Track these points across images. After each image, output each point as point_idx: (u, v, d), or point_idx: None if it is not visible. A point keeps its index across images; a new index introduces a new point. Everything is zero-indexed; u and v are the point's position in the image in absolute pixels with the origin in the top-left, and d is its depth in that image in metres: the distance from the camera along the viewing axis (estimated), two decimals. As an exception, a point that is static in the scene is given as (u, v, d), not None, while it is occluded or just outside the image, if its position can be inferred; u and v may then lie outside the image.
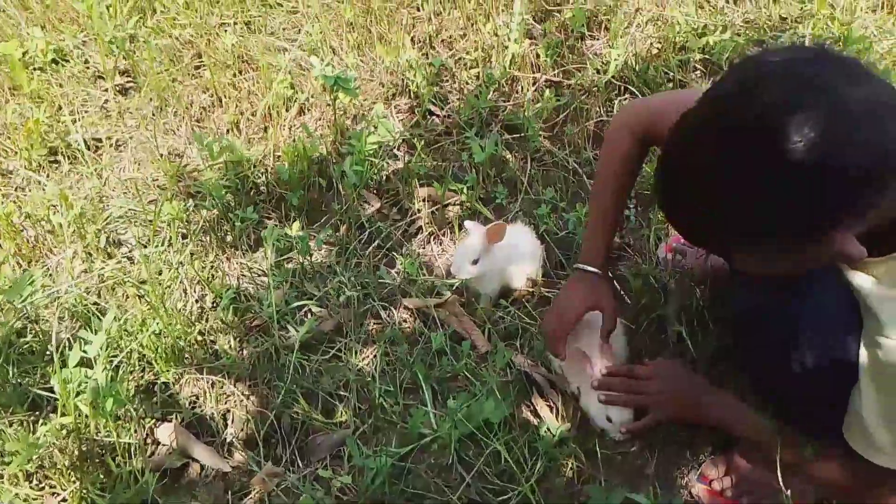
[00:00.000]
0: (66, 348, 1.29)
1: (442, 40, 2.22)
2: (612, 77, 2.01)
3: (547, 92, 1.95)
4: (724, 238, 0.85)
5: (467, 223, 1.52)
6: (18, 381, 1.34)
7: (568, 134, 1.92)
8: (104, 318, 1.31)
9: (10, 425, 1.26)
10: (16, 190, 1.83)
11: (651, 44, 2.12)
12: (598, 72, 2.06)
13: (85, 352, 1.22)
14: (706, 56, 2.09)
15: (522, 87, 2.05)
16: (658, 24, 2.18)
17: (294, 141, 1.94)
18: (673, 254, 1.58)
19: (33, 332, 1.46)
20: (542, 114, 1.95)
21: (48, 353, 1.38)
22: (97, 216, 1.71)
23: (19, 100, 2.02)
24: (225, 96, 2.05)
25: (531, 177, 1.84)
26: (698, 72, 2.10)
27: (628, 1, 2.25)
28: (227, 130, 2.00)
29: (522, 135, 1.92)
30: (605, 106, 1.99)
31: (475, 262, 1.47)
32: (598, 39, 2.24)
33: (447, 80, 2.11)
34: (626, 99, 2.01)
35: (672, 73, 2.03)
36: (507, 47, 2.09)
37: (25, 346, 1.43)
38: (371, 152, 1.79)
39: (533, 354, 1.47)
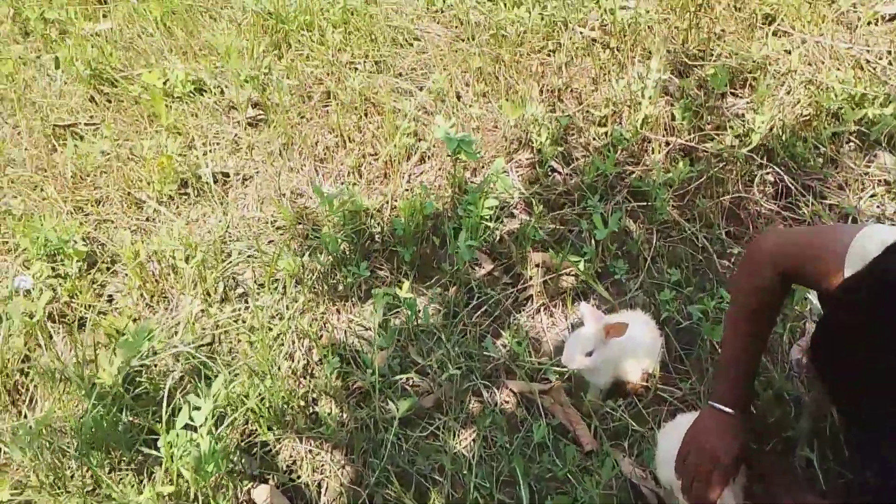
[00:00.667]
0: (179, 395, 1.32)
1: (570, 90, 2.13)
2: (754, 147, 1.86)
3: (681, 164, 1.83)
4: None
5: (583, 307, 1.44)
6: (130, 429, 1.39)
7: (699, 207, 1.79)
8: (214, 382, 1.33)
9: (119, 482, 1.30)
10: (147, 220, 1.91)
11: (801, 111, 1.95)
12: (738, 138, 1.92)
13: (192, 419, 1.24)
14: (862, 128, 1.90)
15: (653, 150, 1.94)
16: (810, 88, 2.00)
17: (412, 192, 1.92)
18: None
19: (147, 375, 1.51)
20: (673, 182, 1.83)
21: (160, 396, 1.43)
22: (217, 263, 1.75)
23: (157, 128, 2.11)
24: (349, 139, 2.06)
25: (656, 251, 1.73)
26: (852, 145, 1.91)
27: (778, 60, 2.08)
28: (349, 173, 2.01)
29: (649, 203, 1.81)
30: (744, 179, 1.84)
31: (589, 353, 1.39)
32: (741, 98, 2.08)
33: (573, 135, 2.03)
34: (767, 173, 1.85)
35: (823, 148, 1.85)
36: (640, 104, 1.98)
37: (140, 389, 1.48)
38: (488, 217, 1.74)
39: (641, 461, 1.37)
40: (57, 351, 1.59)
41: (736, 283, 1.23)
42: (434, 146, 2.02)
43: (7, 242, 1.82)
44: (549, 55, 2.23)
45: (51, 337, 1.63)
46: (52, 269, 1.70)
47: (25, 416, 1.51)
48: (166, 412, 1.30)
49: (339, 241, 1.75)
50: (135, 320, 1.68)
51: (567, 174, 1.93)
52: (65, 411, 1.47)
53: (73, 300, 1.68)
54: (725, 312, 1.25)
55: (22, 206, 1.87)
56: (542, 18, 2.22)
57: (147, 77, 2.13)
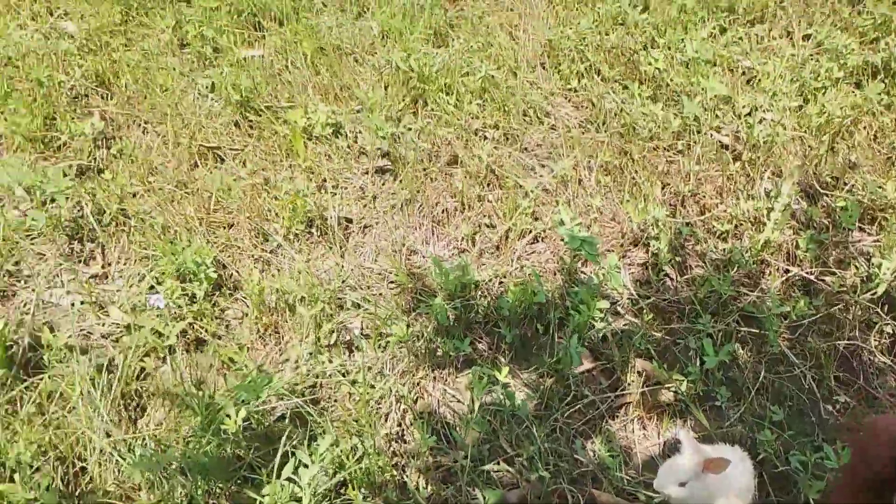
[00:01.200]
0: (284, 442, 1.40)
1: (693, 195, 2.14)
2: (879, 296, 1.82)
3: (801, 302, 1.81)
4: None
5: (683, 435, 1.44)
6: (231, 461, 1.47)
7: (812, 345, 1.77)
8: (322, 441, 1.40)
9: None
10: (270, 252, 2.01)
11: (933, 264, 1.90)
12: (862, 281, 1.88)
13: (297, 475, 1.31)
14: None
15: (771, 276, 1.92)
16: (946, 239, 1.95)
17: (521, 270, 1.96)
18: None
19: (252, 412, 1.58)
20: (789, 315, 1.81)
21: (261, 431, 1.51)
22: (333, 312, 1.83)
23: (292, 163, 2.22)
24: (469, 206, 2.12)
25: (761, 384, 1.71)
26: None
27: (915, 203, 2.04)
28: (463, 239, 2.06)
29: (760, 332, 1.80)
30: (862, 325, 1.81)
31: (682, 484, 1.39)
32: (869, 235, 2.05)
33: (690, 242, 2.03)
34: (887, 323, 1.81)
35: (953, 309, 1.80)
36: (764, 224, 1.97)
37: (245, 423, 1.56)
38: (598, 318, 1.76)
39: None
40: (177, 370, 1.69)
41: (849, 469, 1.21)
42: (551, 228, 2.06)
43: (145, 250, 1.95)
44: (677, 154, 2.24)
45: (171, 351, 1.73)
46: (182, 289, 1.81)
47: (136, 424, 1.61)
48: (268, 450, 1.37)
49: (448, 311, 1.80)
50: (248, 349, 1.77)
51: (680, 283, 1.94)
52: (174, 428, 1.57)
53: (196, 321, 1.79)
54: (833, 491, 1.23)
55: (161, 219, 2.00)
56: (676, 117, 2.23)
57: (291, 114, 2.25)
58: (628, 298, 1.91)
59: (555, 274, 1.98)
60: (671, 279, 1.96)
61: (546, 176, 2.19)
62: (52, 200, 1.93)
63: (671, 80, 2.40)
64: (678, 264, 1.98)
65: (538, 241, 2.07)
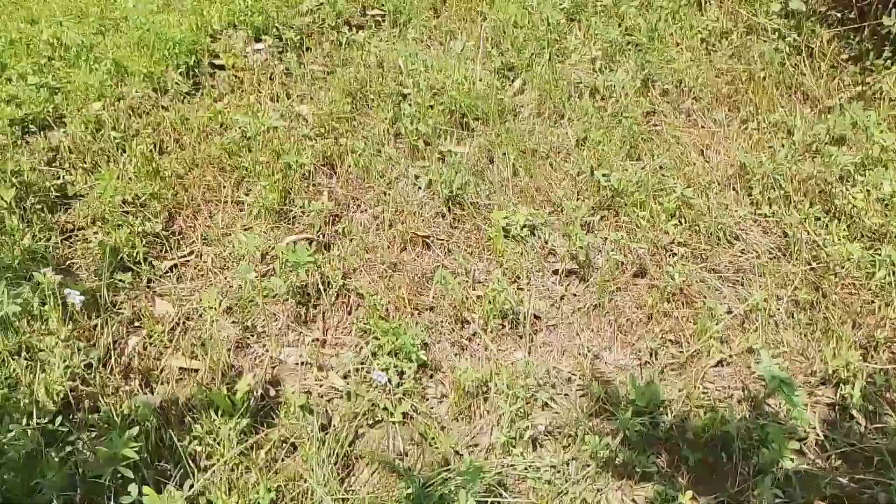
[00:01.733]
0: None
1: (889, 343, 2.13)
2: None
3: None
4: None
5: None
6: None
7: None
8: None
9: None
10: (468, 339, 2.20)
11: None
12: None
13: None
14: None
15: (973, 439, 1.87)
16: None
17: (706, 393, 2.03)
18: None
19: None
20: None
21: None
22: (526, 409, 1.97)
23: (490, 256, 2.43)
24: (656, 320, 2.22)
25: (956, 553, 1.67)
26: None
27: None
28: (648, 351, 2.16)
29: (959, 498, 1.75)
30: None
31: None
32: None
33: (884, 390, 2.02)
34: None
35: None
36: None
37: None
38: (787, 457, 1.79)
39: None
40: (390, 440, 1.89)
41: None
42: (737, 355, 2.11)
43: (360, 321, 2.19)
44: (874, 296, 2.24)
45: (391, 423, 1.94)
46: (395, 365, 2.03)
47: (342, 483, 1.81)
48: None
49: (636, 427, 1.89)
50: (444, 428, 1.95)
51: (870, 431, 1.93)
52: (386, 494, 1.75)
53: (405, 398, 1.99)
54: None
55: (381, 297, 2.24)
56: (879, 266, 2.24)
57: (495, 214, 2.47)
58: (814, 438, 1.92)
59: (739, 402, 2.02)
60: (860, 424, 1.96)
61: (734, 301, 2.26)
62: (293, 270, 2.22)
63: (868, 218, 2.41)
64: (869, 411, 1.97)
65: (723, 365, 2.13)
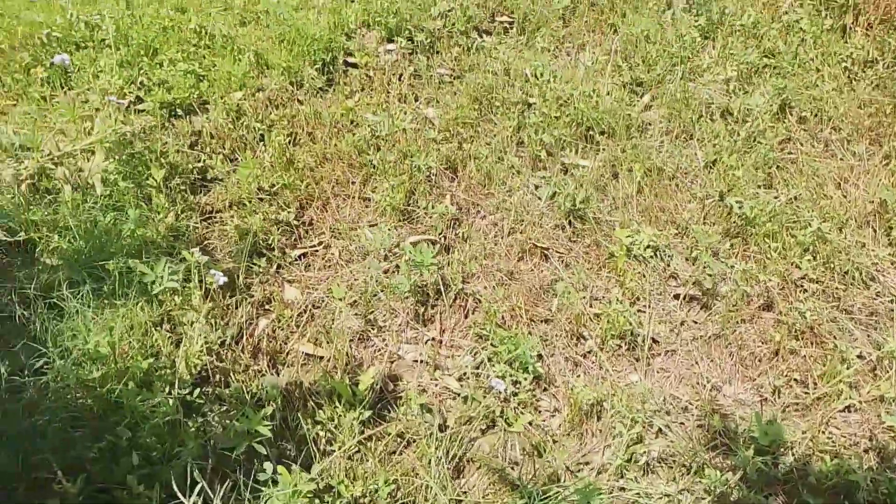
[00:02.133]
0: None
1: None
2: None
3: None
4: None
5: None
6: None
7: None
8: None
9: None
10: (583, 356, 2.19)
11: None
12: None
13: None
14: None
15: None
16: None
17: (830, 439, 1.94)
18: None
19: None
20: None
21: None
22: (641, 434, 1.95)
23: (610, 274, 2.41)
24: (782, 357, 2.14)
25: None
26: None
27: None
28: (773, 391, 2.09)
29: None
30: None
31: None
32: None
33: None
34: None
35: None
36: None
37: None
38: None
39: None
40: (506, 449, 1.91)
41: None
42: (867, 403, 2.02)
43: (475, 326, 2.22)
44: None
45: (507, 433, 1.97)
46: (510, 374, 2.05)
47: (451, 483, 1.84)
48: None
49: (757, 466, 1.84)
50: (555, 442, 1.95)
51: None
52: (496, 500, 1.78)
53: (518, 407, 2.01)
54: None
55: (498, 305, 2.26)
56: None
57: (618, 232, 2.44)
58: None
59: (867, 452, 1.93)
60: None
61: (867, 345, 2.15)
62: (416, 269, 2.27)
63: None
64: None
65: (851, 412, 2.03)
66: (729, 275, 2.36)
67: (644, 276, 2.40)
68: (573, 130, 2.93)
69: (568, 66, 3.31)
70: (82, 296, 2.02)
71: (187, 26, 3.40)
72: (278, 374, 2.08)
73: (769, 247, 2.41)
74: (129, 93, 2.91)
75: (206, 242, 2.49)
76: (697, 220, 2.54)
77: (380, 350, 2.19)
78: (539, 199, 2.68)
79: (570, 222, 2.59)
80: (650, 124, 3.00)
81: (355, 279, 2.36)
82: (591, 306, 2.31)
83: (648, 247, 2.43)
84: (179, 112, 2.98)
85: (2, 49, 3.03)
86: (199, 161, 2.79)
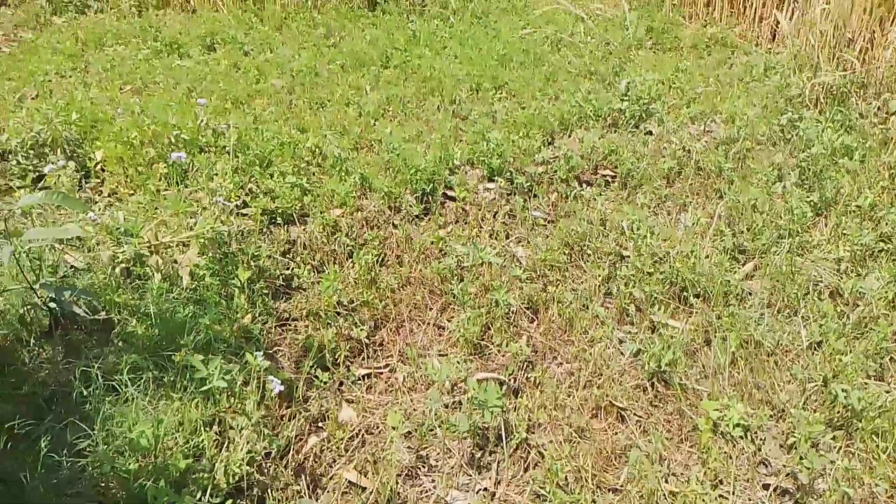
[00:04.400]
0: None
1: None
2: None
3: None
4: None
5: None
6: None
7: None
8: None
9: None
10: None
11: None
12: None
13: None
14: None
15: None
16: None
17: None
18: None
19: None
20: None
21: None
22: None
23: (691, 452, 2.18)
24: None
25: None
26: None
27: None
28: None
29: None
30: None
31: None
32: None
33: None
34: None
35: None
36: None
37: None
38: None
39: None
40: None
41: None
42: None
43: (534, 482, 2.03)
44: None
45: None
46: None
47: None
48: None
49: None
50: None
51: None
52: None
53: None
54: None
55: (558, 463, 2.08)
56: None
57: (706, 404, 2.23)
58: None
59: None
60: None
61: None
62: (478, 409, 2.14)
63: None
64: None
65: None
66: (829, 471, 2.08)
67: (731, 458, 2.15)
68: (666, 289, 2.79)
69: (667, 224, 3.23)
70: (142, 383, 2.01)
71: (304, 144, 3.61)
72: (316, 501, 1.95)
73: (877, 446, 2.12)
74: (237, 197, 3.06)
75: (275, 348, 2.47)
76: (796, 405, 2.29)
77: (427, 492, 2.02)
78: (622, 354, 2.52)
79: (652, 384, 2.40)
80: (750, 294, 2.83)
81: (414, 409, 2.25)
82: (666, 482, 2.07)
83: (738, 425, 2.20)
84: (279, 220, 3.09)
85: (133, 144, 3.30)
86: (287, 268, 2.84)
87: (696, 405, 2.32)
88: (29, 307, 2.23)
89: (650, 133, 4.03)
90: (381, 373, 2.42)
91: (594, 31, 5.45)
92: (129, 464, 1.72)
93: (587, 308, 2.72)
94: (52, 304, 2.18)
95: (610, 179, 3.64)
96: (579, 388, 2.38)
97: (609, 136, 3.92)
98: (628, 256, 2.98)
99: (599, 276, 2.86)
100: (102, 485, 1.72)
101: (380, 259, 2.94)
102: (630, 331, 2.64)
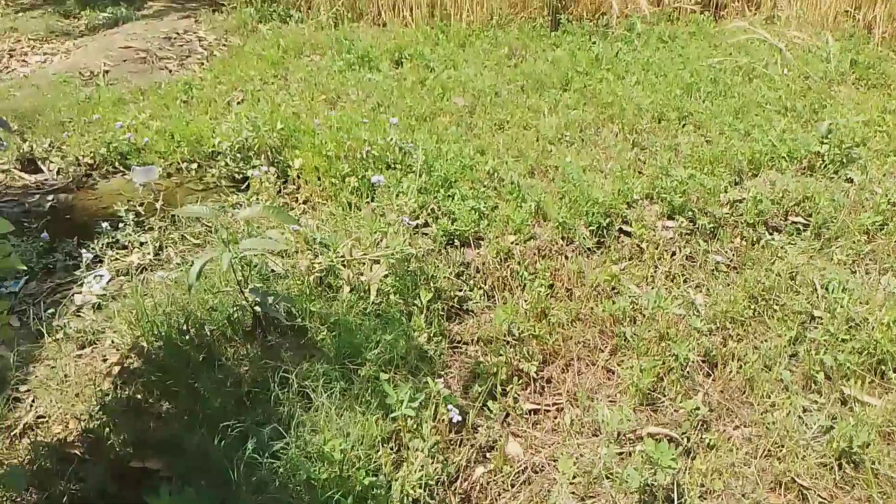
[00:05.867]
0: None
1: None
2: None
3: None
4: None
5: None
6: None
7: None
8: None
9: None
10: None
11: None
12: None
13: None
14: None
15: None
16: None
17: None
18: None
19: None
20: None
21: None
22: None
23: None
24: None
25: None
26: None
27: None
28: None
29: None
30: None
31: None
32: None
33: None
34: None
35: None
36: None
37: None
38: None
39: None
40: None
41: None
42: None
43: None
44: None
45: None
46: None
47: None
48: None
49: None
50: None
51: None
52: None
53: None
54: None
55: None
56: None
57: None
58: None
59: None
60: None
61: None
62: (650, 466, 2.09)
63: None
64: None
65: None
66: None
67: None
68: (861, 359, 2.57)
69: (866, 285, 2.98)
70: (332, 393, 2.16)
71: (483, 167, 3.70)
72: (482, 532, 2.00)
73: None
74: (420, 216, 3.19)
75: (447, 370, 2.55)
76: None
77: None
78: (807, 426, 2.36)
79: (840, 465, 2.22)
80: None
81: (581, 454, 2.23)
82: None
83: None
84: (456, 242, 3.18)
85: (329, 156, 3.53)
86: (460, 290, 2.92)
87: (890, 495, 2.12)
88: (236, 308, 2.46)
89: (851, 181, 3.73)
90: (549, 411, 2.42)
91: (791, 63, 5.11)
92: (320, 473, 1.85)
93: (770, 370, 2.57)
94: (258, 308, 2.38)
95: (802, 227, 3.41)
96: (758, 457, 2.25)
97: (804, 181, 3.67)
98: (820, 318, 2.78)
99: (786, 336, 2.69)
100: (295, 488, 1.87)
101: (551, 291, 2.95)
102: (817, 400, 2.46)
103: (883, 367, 2.56)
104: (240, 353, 2.43)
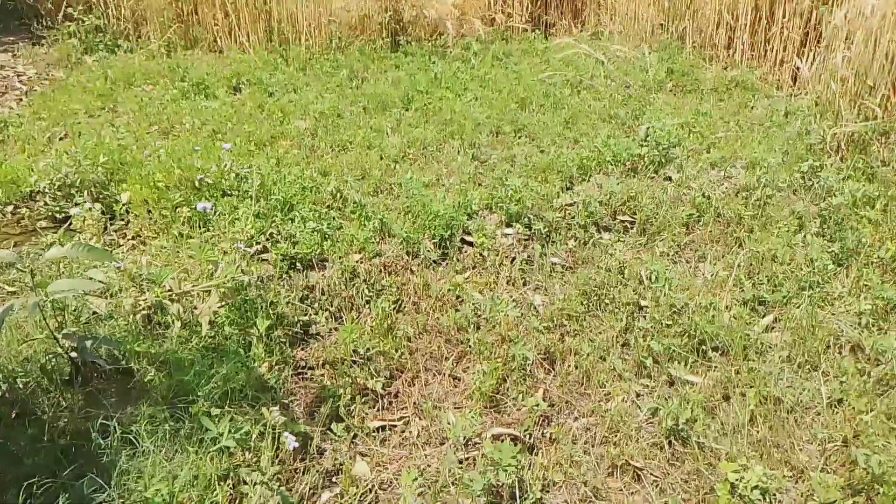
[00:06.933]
0: None
1: None
2: None
3: None
4: None
5: None
6: None
7: None
8: None
9: None
10: None
11: None
12: None
13: None
14: None
15: None
16: None
17: None
18: None
19: None
20: None
21: None
22: None
23: (708, 513, 2.14)
24: None
25: None
26: None
27: None
28: None
29: None
30: None
31: None
32: None
33: None
34: None
35: None
36: None
37: None
38: None
39: None
40: None
41: None
42: None
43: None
44: None
45: None
46: None
47: None
48: None
49: None
50: None
51: None
52: None
53: None
54: None
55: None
56: None
57: (724, 465, 2.20)
58: None
59: None
60: None
61: None
62: (493, 467, 2.13)
63: None
64: None
65: None
66: (852, 542, 2.03)
67: (747, 522, 2.11)
68: (684, 342, 2.77)
69: (686, 273, 3.22)
70: (160, 436, 2.03)
71: (325, 188, 3.66)
72: (328, 558, 1.95)
73: (904, 515, 2.08)
74: (258, 242, 3.10)
75: (291, 398, 2.48)
76: (816, 466, 2.25)
77: (440, 551, 2.01)
78: (639, 409, 2.50)
79: (670, 442, 2.37)
80: (770, 348, 2.79)
81: (428, 465, 2.24)
82: (682, 546, 2.04)
83: (756, 487, 2.16)
84: (299, 266, 3.12)
85: (159, 187, 3.37)
86: (305, 314, 2.86)
87: (715, 465, 2.28)
88: (51, 356, 2.27)
89: (669, 179, 4.03)
90: (396, 426, 2.41)
91: (614, 74, 5.49)
92: (144, 522, 1.73)
93: (604, 360, 2.71)
94: (74, 354, 2.21)
95: (629, 225, 3.64)
96: (595, 444, 2.36)
97: (628, 182, 3.92)
98: (647, 307, 2.97)
99: (617, 327, 2.85)
100: (117, 542, 1.74)
101: (397, 306, 2.95)
102: (647, 384, 2.61)
103: (703, 347, 2.77)
104: (59, 405, 2.24)
